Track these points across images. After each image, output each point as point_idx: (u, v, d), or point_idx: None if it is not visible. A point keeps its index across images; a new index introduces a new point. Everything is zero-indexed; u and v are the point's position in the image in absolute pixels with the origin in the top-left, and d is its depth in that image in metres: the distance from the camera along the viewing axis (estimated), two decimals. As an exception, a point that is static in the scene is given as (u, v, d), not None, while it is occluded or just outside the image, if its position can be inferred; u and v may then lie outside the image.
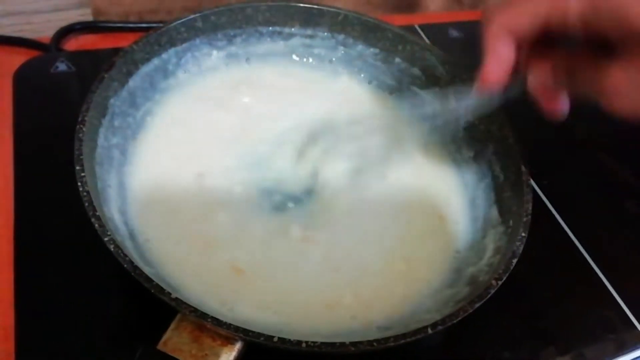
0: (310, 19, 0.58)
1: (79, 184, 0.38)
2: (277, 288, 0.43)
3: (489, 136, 0.51)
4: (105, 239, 0.36)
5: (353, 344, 0.34)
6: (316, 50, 0.59)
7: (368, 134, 0.51)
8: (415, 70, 0.57)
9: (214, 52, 0.56)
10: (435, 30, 0.75)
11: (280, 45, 0.58)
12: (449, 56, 0.56)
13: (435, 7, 0.85)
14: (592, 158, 0.62)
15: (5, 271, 0.43)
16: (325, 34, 0.59)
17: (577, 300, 0.49)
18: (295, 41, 0.58)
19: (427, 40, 0.68)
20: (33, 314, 0.41)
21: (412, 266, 0.47)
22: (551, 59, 0.36)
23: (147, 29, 0.54)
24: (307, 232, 0.47)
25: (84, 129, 0.41)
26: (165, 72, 0.52)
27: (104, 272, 0.42)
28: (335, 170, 0.51)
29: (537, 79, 0.37)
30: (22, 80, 0.55)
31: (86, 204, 0.37)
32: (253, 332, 0.34)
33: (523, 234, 0.42)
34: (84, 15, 0.65)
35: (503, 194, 0.48)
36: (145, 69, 0.50)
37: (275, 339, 0.34)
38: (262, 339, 0.34)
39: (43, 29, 0.64)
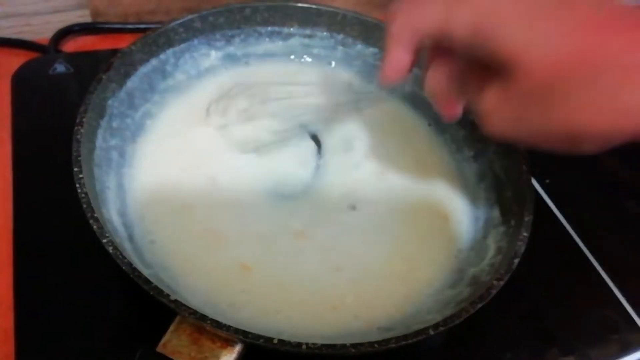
0: (309, 18, 0.57)
1: (77, 185, 0.38)
2: (283, 286, 0.43)
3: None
4: (104, 240, 0.36)
5: (354, 345, 0.34)
6: (315, 50, 0.59)
7: (296, 96, 0.51)
8: (415, 70, 0.57)
9: (213, 53, 0.55)
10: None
11: (279, 45, 0.58)
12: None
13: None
14: (594, 157, 0.61)
15: (5, 273, 0.43)
16: (324, 33, 0.58)
17: (579, 301, 0.49)
18: (294, 41, 0.58)
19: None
20: (32, 316, 0.41)
21: (414, 266, 0.46)
22: (449, 67, 0.38)
23: (145, 30, 0.53)
24: (308, 230, 0.47)
25: (82, 131, 0.41)
26: (163, 73, 0.52)
27: (103, 273, 0.42)
28: (339, 170, 0.51)
29: (432, 80, 0.39)
30: (21, 81, 0.55)
31: (84, 206, 0.37)
32: (253, 334, 0.34)
33: (525, 234, 0.42)
34: (83, 16, 0.65)
35: (504, 194, 0.48)
36: (144, 69, 0.50)
37: (275, 341, 0.34)
38: (261, 340, 0.34)
39: (42, 30, 0.63)
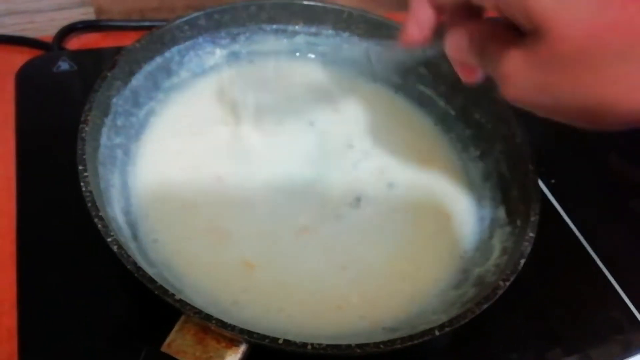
0: (315, 16, 0.57)
1: (82, 184, 0.38)
2: (287, 285, 0.43)
3: (495, 135, 0.51)
4: (109, 239, 0.36)
5: (359, 346, 0.34)
6: (320, 48, 0.59)
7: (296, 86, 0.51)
8: (421, 68, 0.57)
9: (217, 51, 0.55)
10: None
11: (284, 43, 0.58)
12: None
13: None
14: (600, 157, 0.62)
15: (9, 272, 0.43)
16: (330, 31, 0.58)
17: (584, 301, 0.49)
18: (300, 39, 0.58)
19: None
20: (36, 315, 0.40)
21: (418, 266, 0.46)
22: (471, 28, 0.36)
23: (149, 28, 0.53)
24: (312, 227, 0.47)
25: (86, 129, 0.41)
26: (168, 71, 0.52)
27: (107, 272, 0.42)
28: (343, 168, 0.51)
29: (453, 43, 0.37)
30: (25, 79, 0.55)
31: (89, 204, 0.37)
32: (258, 334, 0.34)
33: (531, 234, 0.42)
34: (87, 14, 0.65)
35: (510, 194, 0.47)
36: (148, 67, 0.50)
37: (281, 341, 0.34)
38: (267, 340, 0.34)
39: (46, 27, 0.63)
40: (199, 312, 0.34)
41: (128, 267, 0.35)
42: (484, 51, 0.35)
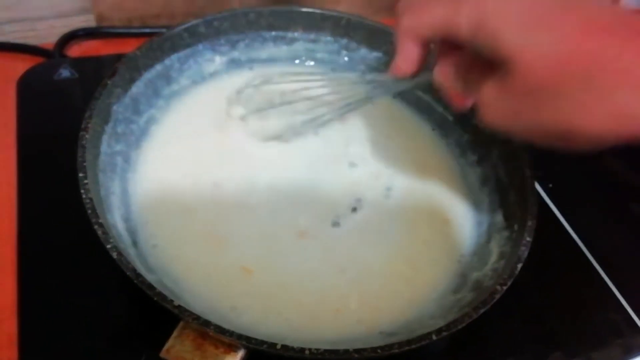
0: (313, 23, 0.57)
1: (82, 191, 0.38)
2: (285, 289, 0.43)
3: (493, 140, 0.51)
4: (108, 246, 0.36)
5: (357, 351, 0.34)
6: (319, 55, 0.59)
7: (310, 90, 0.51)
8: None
9: (217, 58, 0.56)
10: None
11: (283, 49, 0.58)
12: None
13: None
14: (597, 161, 0.62)
15: (9, 278, 0.43)
16: (329, 38, 0.58)
17: (582, 305, 0.49)
18: (299, 46, 0.58)
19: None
20: (36, 321, 0.41)
21: (416, 270, 0.46)
22: (456, 59, 0.39)
23: (150, 34, 0.54)
24: (310, 231, 0.47)
25: (87, 136, 0.41)
26: (168, 79, 0.52)
27: (107, 279, 0.42)
28: (342, 172, 0.51)
29: (440, 73, 0.40)
30: (26, 87, 0.56)
31: (89, 211, 0.37)
32: (256, 339, 0.34)
33: (528, 239, 0.42)
34: (87, 21, 0.66)
35: (508, 198, 0.48)
36: (148, 75, 0.50)
37: (278, 347, 0.34)
38: (265, 346, 0.34)
39: (47, 35, 0.64)
40: (197, 318, 0.34)
41: (127, 273, 0.35)
42: (467, 79, 0.38)
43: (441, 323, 0.37)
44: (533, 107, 0.33)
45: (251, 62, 0.57)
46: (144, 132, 0.50)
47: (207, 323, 0.34)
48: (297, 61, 0.59)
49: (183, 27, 0.52)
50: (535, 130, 0.35)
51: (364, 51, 0.58)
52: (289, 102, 0.50)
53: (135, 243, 0.42)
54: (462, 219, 0.50)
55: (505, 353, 0.45)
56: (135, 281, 0.35)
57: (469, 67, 0.38)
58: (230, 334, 0.34)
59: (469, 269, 0.46)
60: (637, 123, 0.31)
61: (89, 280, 0.43)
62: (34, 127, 0.52)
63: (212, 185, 0.48)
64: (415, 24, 0.38)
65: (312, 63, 0.59)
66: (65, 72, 0.57)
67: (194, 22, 0.53)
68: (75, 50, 0.65)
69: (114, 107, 0.46)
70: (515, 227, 0.44)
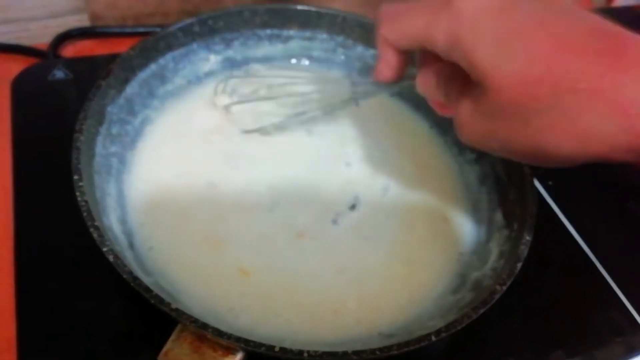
0: (309, 21, 0.57)
1: (77, 193, 0.38)
2: (284, 290, 0.43)
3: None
4: (104, 249, 0.36)
5: (356, 352, 0.34)
6: (315, 53, 0.59)
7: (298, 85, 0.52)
8: (415, 71, 0.56)
9: (212, 57, 0.55)
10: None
11: (278, 48, 0.58)
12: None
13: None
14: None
15: (6, 281, 0.43)
16: (324, 36, 0.58)
17: (583, 304, 0.49)
18: (294, 44, 0.58)
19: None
20: (34, 325, 0.40)
21: (415, 270, 0.46)
22: (438, 69, 0.39)
23: (145, 34, 0.53)
24: (308, 231, 0.46)
25: (81, 138, 0.41)
26: (162, 79, 0.52)
27: (104, 282, 0.42)
28: (339, 171, 0.51)
29: (422, 81, 0.40)
30: (20, 88, 0.55)
31: (84, 214, 0.37)
32: (254, 342, 0.34)
33: (528, 238, 0.41)
34: (81, 20, 0.65)
35: (507, 197, 0.47)
36: (143, 75, 0.50)
37: (277, 349, 0.34)
38: (263, 349, 0.34)
39: (40, 35, 0.63)
40: (195, 321, 0.34)
41: (124, 276, 0.35)
42: (447, 90, 0.38)
43: (440, 323, 0.37)
44: (504, 127, 0.33)
45: (247, 60, 0.57)
46: (139, 133, 0.49)
47: (204, 326, 0.34)
48: (293, 60, 0.59)
49: (177, 26, 0.52)
50: (509, 150, 0.35)
51: (360, 49, 0.58)
52: (274, 96, 0.50)
53: (131, 245, 0.42)
54: (461, 217, 0.50)
55: (506, 353, 0.44)
56: (132, 284, 0.34)
57: (450, 77, 0.38)
58: (229, 336, 0.33)
59: (468, 268, 0.45)
60: (604, 145, 0.31)
61: (87, 284, 0.43)
62: (28, 128, 0.52)
63: (209, 186, 0.47)
64: (393, 34, 0.38)
65: (307, 63, 0.59)
66: (59, 73, 0.57)
67: (188, 21, 0.52)
68: (70, 50, 0.64)
69: (109, 108, 0.46)
70: (515, 225, 0.44)
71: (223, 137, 0.51)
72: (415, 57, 0.41)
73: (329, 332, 0.41)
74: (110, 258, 0.35)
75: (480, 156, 0.52)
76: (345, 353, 0.34)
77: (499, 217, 0.47)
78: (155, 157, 0.49)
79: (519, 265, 0.40)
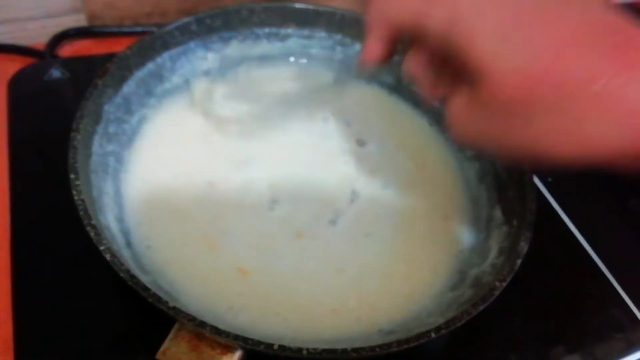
0: (307, 19, 0.57)
1: (74, 192, 0.38)
2: (283, 289, 0.43)
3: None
4: (101, 248, 0.35)
5: (355, 350, 0.34)
6: (313, 51, 0.58)
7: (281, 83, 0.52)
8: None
9: (209, 55, 0.55)
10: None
11: (276, 46, 0.57)
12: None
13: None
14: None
15: (3, 283, 0.42)
16: (323, 34, 0.58)
17: (583, 300, 0.49)
18: (292, 42, 0.58)
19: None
20: (32, 325, 0.40)
21: (414, 267, 0.46)
22: (427, 53, 0.37)
23: (142, 33, 0.53)
24: (310, 231, 0.46)
25: (78, 137, 0.41)
26: (160, 77, 0.52)
27: (102, 281, 0.42)
28: (337, 169, 0.51)
29: (409, 66, 0.38)
30: (17, 88, 0.55)
31: (81, 213, 0.37)
32: (253, 340, 0.33)
33: (527, 234, 0.41)
34: (78, 20, 0.65)
35: (506, 193, 0.47)
36: (140, 74, 0.49)
37: (275, 347, 0.33)
38: (261, 347, 0.33)
39: (37, 35, 0.63)
40: (193, 320, 0.33)
41: (121, 275, 0.34)
42: (438, 76, 0.36)
43: (440, 320, 0.36)
44: (501, 125, 0.31)
45: (244, 59, 0.57)
46: (136, 132, 0.49)
47: (202, 324, 0.33)
48: (291, 58, 0.58)
49: (174, 25, 0.51)
50: (505, 150, 0.32)
51: (358, 46, 0.58)
52: (258, 91, 0.50)
53: (129, 244, 0.42)
54: (460, 214, 0.49)
55: (506, 350, 0.44)
56: (129, 283, 0.34)
57: (442, 61, 0.35)
58: (227, 334, 0.33)
59: (468, 265, 0.45)
60: (611, 151, 0.28)
61: (84, 283, 0.43)
62: (25, 128, 0.52)
63: (206, 185, 0.47)
64: (383, 18, 0.36)
65: (305, 61, 0.59)
66: (56, 73, 0.57)
67: (185, 20, 0.52)
68: (67, 50, 0.64)
69: (105, 107, 0.46)
70: (515, 222, 0.44)
71: (220, 135, 0.51)
72: (404, 41, 0.39)
73: (328, 330, 0.41)
74: (107, 257, 0.35)
75: (480, 153, 0.51)
76: (344, 350, 0.34)
77: (498, 213, 0.47)
78: (152, 155, 0.48)
79: (519, 261, 0.40)
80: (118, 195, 0.45)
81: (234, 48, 0.56)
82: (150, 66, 0.50)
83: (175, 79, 0.53)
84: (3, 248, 0.44)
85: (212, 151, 0.50)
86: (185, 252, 0.43)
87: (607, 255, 0.52)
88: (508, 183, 0.47)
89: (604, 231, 0.54)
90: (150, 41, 0.50)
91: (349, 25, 0.57)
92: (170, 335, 0.35)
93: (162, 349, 0.34)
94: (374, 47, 0.38)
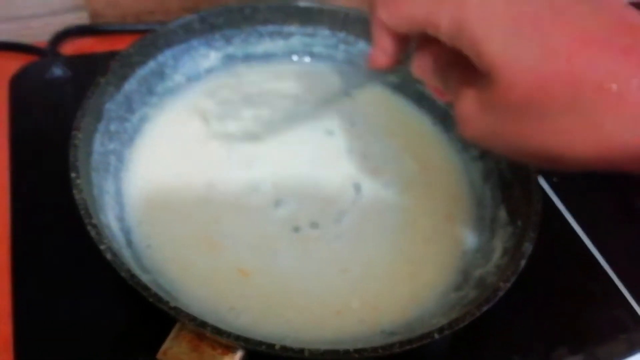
0: (311, 17, 0.57)
1: (75, 191, 0.37)
2: (285, 290, 0.43)
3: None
4: (102, 247, 0.35)
5: (357, 351, 0.33)
6: (317, 49, 0.58)
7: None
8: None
9: (212, 54, 0.55)
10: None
11: (280, 44, 0.57)
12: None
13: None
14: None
15: (3, 280, 0.42)
16: (326, 32, 0.58)
17: (587, 300, 0.48)
18: (295, 40, 0.57)
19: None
20: (32, 324, 0.40)
21: (418, 267, 0.46)
22: (436, 52, 0.36)
23: (145, 31, 0.53)
24: (313, 232, 0.46)
25: (79, 135, 0.40)
26: (162, 75, 0.51)
27: (103, 280, 0.42)
28: (341, 169, 0.50)
29: (418, 66, 0.38)
30: (19, 86, 0.55)
31: (82, 212, 0.37)
32: (254, 340, 0.33)
33: (532, 235, 0.41)
34: (81, 18, 0.65)
35: (511, 194, 0.47)
36: (142, 72, 0.49)
37: (277, 347, 0.33)
38: (263, 347, 0.33)
39: (40, 33, 0.63)
40: (193, 320, 0.33)
41: (122, 274, 0.34)
42: (447, 77, 0.36)
43: (443, 321, 0.36)
44: (514, 126, 0.30)
45: (247, 57, 0.56)
46: (137, 131, 0.49)
47: (203, 324, 0.33)
48: (294, 56, 0.58)
49: (177, 23, 0.51)
50: (516, 151, 0.32)
51: (362, 44, 0.57)
52: (264, 98, 0.50)
53: (129, 243, 0.42)
54: (465, 214, 0.49)
55: (510, 351, 0.44)
56: (129, 282, 0.34)
57: (451, 62, 0.35)
58: (228, 335, 0.33)
59: (472, 265, 0.45)
60: (627, 154, 0.28)
61: (85, 282, 0.43)
62: (26, 126, 0.52)
63: (208, 185, 0.47)
64: (391, 19, 0.35)
65: (308, 60, 0.59)
66: (58, 71, 0.56)
67: (188, 18, 0.52)
68: (69, 47, 0.64)
69: (107, 106, 0.45)
70: (519, 222, 0.43)
71: (222, 135, 0.50)
72: (412, 40, 0.38)
73: (331, 331, 0.41)
74: (108, 256, 0.35)
75: (485, 153, 0.51)
76: (346, 351, 0.33)
77: (502, 214, 0.46)
78: (153, 154, 0.48)
79: (523, 262, 0.39)
80: (119, 194, 0.45)
81: (237, 46, 0.56)
82: (152, 64, 0.50)
83: (178, 78, 0.53)
84: (3, 246, 0.44)
85: (213, 150, 0.49)
86: (186, 252, 0.43)
87: (611, 256, 0.51)
88: (513, 183, 0.47)
89: (609, 232, 0.54)
90: (152, 39, 0.50)
91: (353, 24, 0.57)
92: (171, 335, 0.35)
93: (162, 348, 0.34)
94: (384, 45, 0.38)
